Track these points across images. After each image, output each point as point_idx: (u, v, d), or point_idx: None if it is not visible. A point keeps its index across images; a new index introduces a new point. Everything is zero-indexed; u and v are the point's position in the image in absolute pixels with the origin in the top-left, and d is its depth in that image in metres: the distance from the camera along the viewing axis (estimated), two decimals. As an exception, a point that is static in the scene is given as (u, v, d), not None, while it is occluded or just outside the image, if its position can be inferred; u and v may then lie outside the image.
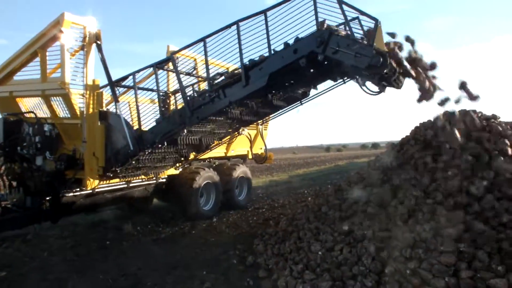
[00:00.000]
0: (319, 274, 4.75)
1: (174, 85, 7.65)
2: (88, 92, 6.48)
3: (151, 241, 7.40)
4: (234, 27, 5.80)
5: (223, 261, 6.03)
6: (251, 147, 10.80)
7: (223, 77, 6.46)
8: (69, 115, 6.69)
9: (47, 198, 6.89)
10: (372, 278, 4.35)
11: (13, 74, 7.11)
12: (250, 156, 11.31)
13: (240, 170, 10.73)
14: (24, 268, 5.95)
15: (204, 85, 7.57)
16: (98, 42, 6.54)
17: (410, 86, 5.61)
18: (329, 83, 6.82)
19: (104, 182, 7.14)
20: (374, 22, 4.90)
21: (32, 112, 7.01)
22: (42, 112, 7.11)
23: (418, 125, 6.62)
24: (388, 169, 5.94)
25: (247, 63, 5.86)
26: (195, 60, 8.02)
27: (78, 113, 6.52)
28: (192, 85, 7.41)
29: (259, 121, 8.54)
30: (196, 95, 6.56)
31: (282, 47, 5.65)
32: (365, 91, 6.02)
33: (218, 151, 9.73)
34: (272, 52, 5.61)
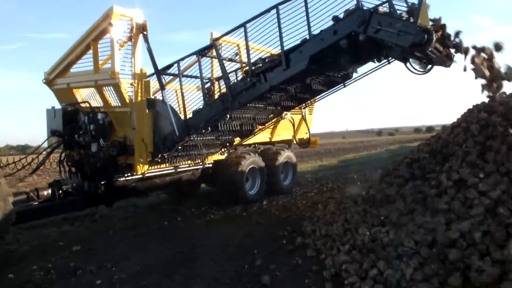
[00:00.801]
0: (365, 254, 4.74)
1: (217, 71, 7.81)
2: (136, 81, 6.78)
3: (205, 222, 7.74)
4: (274, 11, 5.78)
5: (273, 241, 6.20)
6: (295, 132, 10.76)
7: (264, 62, 6.49)
8: (119, 104, 7.03)
9: (102, 183, 7.37)
10: (417, 260, 4.26)
11: (70, 66, 7.55)
12: (295, 141, 11.31)
13: (285, 155, 10.76)
14: (94, 243, 6.49)
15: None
16: (145, 32, 6.79)
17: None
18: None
19: (153, 167, 7.49)
20: (417, -2, 4.69)
21: (87, 102, 7.47)
22: (96, 101, 7.56)
23: (471, 107, 6.28)
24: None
25: (288, 46, 5.84)
26: (238, 46, 8.09)
27: (128, 101, 6.84)
28: (235, 70, 7.51)
29: (301, 105, 8.49)
30: (237, 81, 6.64)
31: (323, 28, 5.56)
32: (411, 71, 5.79)
33: (263, 136, 9.81)
34: (312, 34, 5.54)
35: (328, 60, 6.01)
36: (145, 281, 4.76)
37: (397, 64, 6.30)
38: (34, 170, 7.51)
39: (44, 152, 7.77)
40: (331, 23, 5.51)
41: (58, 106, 7.93)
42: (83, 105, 7.58)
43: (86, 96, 7.81)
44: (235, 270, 5.00)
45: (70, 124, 7.46)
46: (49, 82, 7.94)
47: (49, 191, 7.03)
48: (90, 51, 7.10)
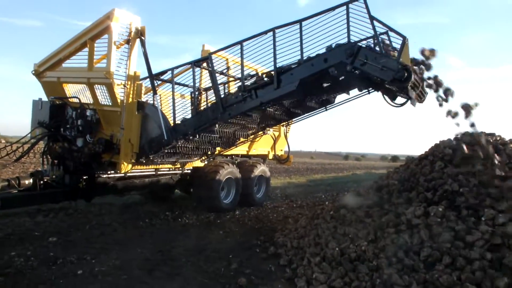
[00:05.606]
0: (334, 267, 5.15)
1: (206, 83, 8.15)
2: (129, 82, 7.00)
3: (180, 225, 7.95)
4: (270, 33, 6.22)
5: (246, 248, 6.53)
6: (274, 148, 11.18)
7: (254, 79, 6.92)
8: (110, 103, 7.20)
9: (84, 178, 7.47)
10: (380, 275, 4.69)
11: (62, 61, 7.68)
12: (270, 157, 11.71)
13: (260, 169, 11.13)
14: (71, 236, 6.59)
15: (234, 85, 8.04)
16: (142, 37, 7.06)
17: (433, 102, 5.93)
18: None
19: (136, 167, 7.67)
20: (402, 38, 5.25)
21: (77, 97, 7.59)
22: (85, 98, 7.69)
23: (438, 142, 6.93)
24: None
25: (281, 67, 6.28)
26: (227, 60, 8.48)
27: (119, 101, 7.04)
28: (224, 83, 7.88)
29: (283, 123, 8.94)
30: (228, 94, 7.00)
31: (314, 54, 6.05)
32: (389, 103, 6.36)
33: (240, 149, 10.17)
34: (304, 59, 6.01)
35: (315, 85, 6.49)
36: (126, 275, 4.95)
37: (372, 94, 6.90)
38: (18, 158, 7.49)
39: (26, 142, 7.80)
40: (322, 50, 6.00)
41: (44, 98, 8.04)
42: (72, 100, 7.70)
43: (75, 92, 7.92)
44: (212, 271, 5.29)
45: (57, 117, 7.58)
46: (38, 73, 8.02)
47: (30, 180, 7.08)
48: (86, 49, 7.29)
